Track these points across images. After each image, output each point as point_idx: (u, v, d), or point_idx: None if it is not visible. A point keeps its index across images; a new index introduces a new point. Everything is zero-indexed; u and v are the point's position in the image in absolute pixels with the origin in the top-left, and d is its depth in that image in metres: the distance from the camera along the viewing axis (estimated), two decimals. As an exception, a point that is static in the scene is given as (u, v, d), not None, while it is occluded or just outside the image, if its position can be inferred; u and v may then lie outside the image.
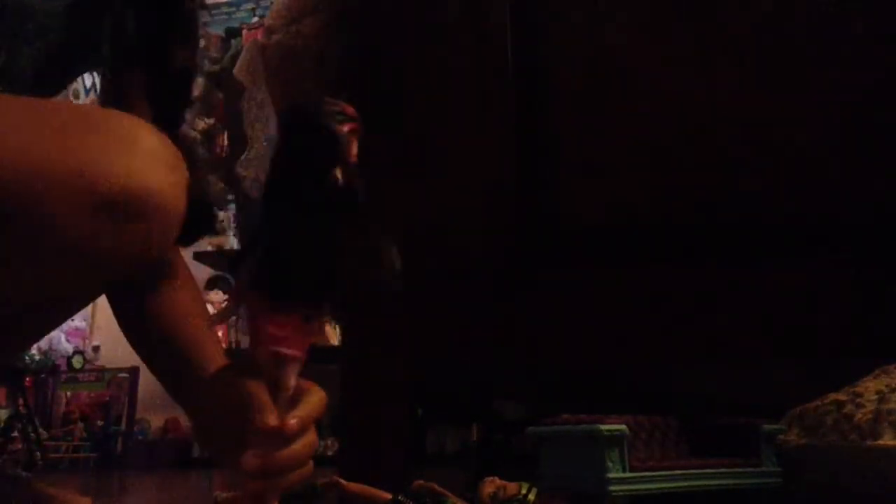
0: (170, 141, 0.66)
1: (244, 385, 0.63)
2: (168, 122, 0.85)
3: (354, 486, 0.83)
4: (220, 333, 3.90)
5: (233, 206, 3.84)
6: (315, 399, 0.66)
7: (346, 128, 0.61)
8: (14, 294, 0.67)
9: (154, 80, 0.85)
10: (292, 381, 0.64)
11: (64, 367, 4.49)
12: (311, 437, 0.66)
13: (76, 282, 0.70)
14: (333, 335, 4.42)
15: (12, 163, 0.59)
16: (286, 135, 0.63)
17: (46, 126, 0.62)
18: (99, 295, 0.80)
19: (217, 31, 4.29)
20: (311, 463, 0.67)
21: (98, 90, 0.91)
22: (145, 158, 0.62)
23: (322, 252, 0.62)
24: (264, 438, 0.62)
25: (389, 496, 0.80)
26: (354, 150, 0.62)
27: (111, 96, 0.87)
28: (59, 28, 0.77)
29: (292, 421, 0.62)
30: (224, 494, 0.86)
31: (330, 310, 0.65)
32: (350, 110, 0.61)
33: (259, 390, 0.62)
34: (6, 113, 0.62)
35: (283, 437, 0.62)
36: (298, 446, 0.64)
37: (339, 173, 0.60)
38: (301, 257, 0.61)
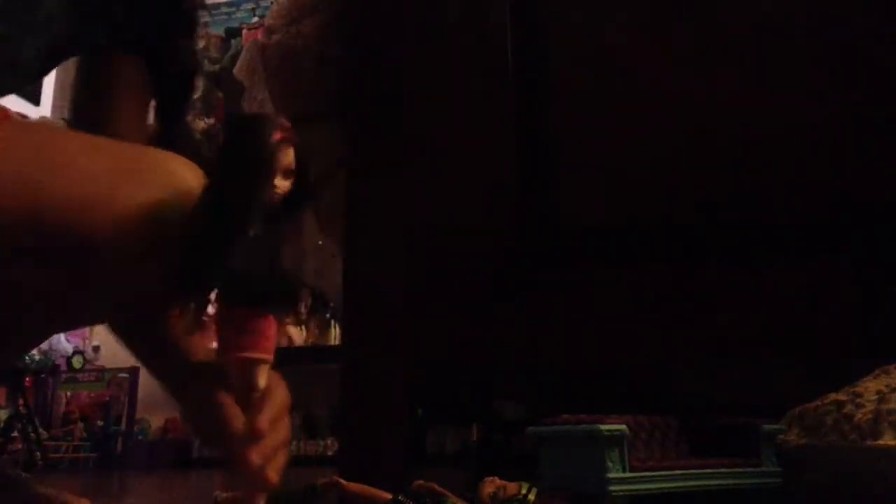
0: (204, 176, 0.69)
1: (211, 398, 0.68)
2: (172, 115, 0.86)
3: (354, 486, 0.83)
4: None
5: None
6: (279, 397, 0.71)
7: (276, 137, 0.64)
8: (48, 323, 0.72)
9: (157, 75, 0.86)
10: (262, 382, 0.68)
11: (64, 367, 4.50)
12: (283, 427, 0.71)
13: (125, 310, 0.75)
14: (298, 334, 4.42)
15: (70, 199, 0.62)
16: (221, 151, 0.66)
17: (106, 165, 0.65)
18: None
19: (217, 31, 4.29)
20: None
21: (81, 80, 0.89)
22: (191, 202, 0.65)
23: (268, 258, 0.65)
24: (241, 442, 0.67)
25: (389, 496, 0.80)
26: (289, 157, 0.65)
27: (97, 84, 0.86)
28: (64, 19, 0.77)
29: (261, 423, 0.68)
30: (224, 494, 0.86)
31: (289, 311, 0.69)
32: (281, 121, 0.64)
33: (224, 400, 0.68)
34: (74, 150, 0.66)
35: (256, 436, 0.67)
36: (274, 439, 0.69)
37: (276, 181, 0.64)
38: (247, 264, 0.65)
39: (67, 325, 0.80)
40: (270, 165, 0.64)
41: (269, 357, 0.68)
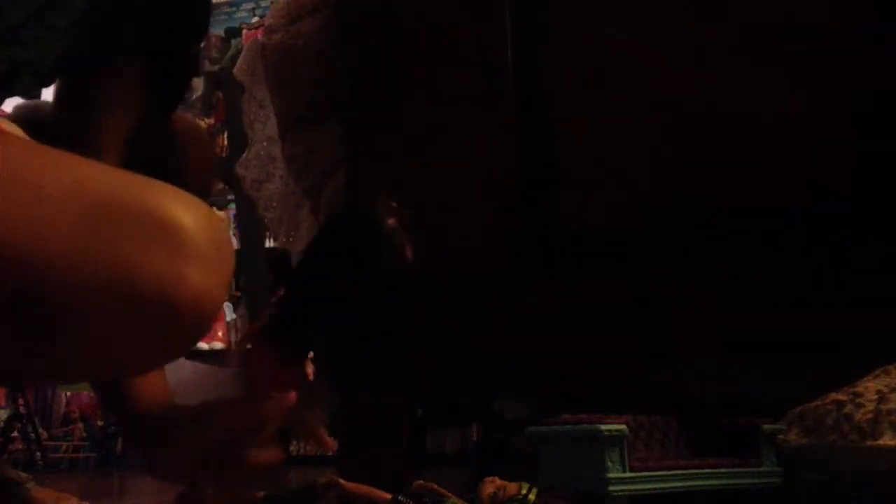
0: (213, 217, 0.61)
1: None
2: (166, 106, 0.85)
3: (354, 486, 0.83)
4: (220, 333, 3.91)
5: (233, 206, 3.85)
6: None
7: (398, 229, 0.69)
8: (36, 374, 0.68)
9: (160, 70, 0.84)
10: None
11: (64, 367, 4.49)
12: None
13: (99, 376, 0.74)
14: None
15: (52, 264, 0.53)
16: (338, 229, 0.70)
17: (95, 222, 0.55)
18: None
19: (217, 31, 4.29)
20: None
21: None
22: (185, 255, 0.56)
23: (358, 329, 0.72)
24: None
25: (389, 496, 0.80)
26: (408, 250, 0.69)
27: (98, 87, 0.85)
28: (86, 22, 0.76)
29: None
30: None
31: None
32: (399, 208, 0.69)
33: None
34: (61, 201, 0.55)
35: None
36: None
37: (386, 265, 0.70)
38: (338, 333, 0.71)
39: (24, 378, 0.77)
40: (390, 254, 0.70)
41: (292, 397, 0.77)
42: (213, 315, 0.60)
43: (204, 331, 0.61)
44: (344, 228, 0.71)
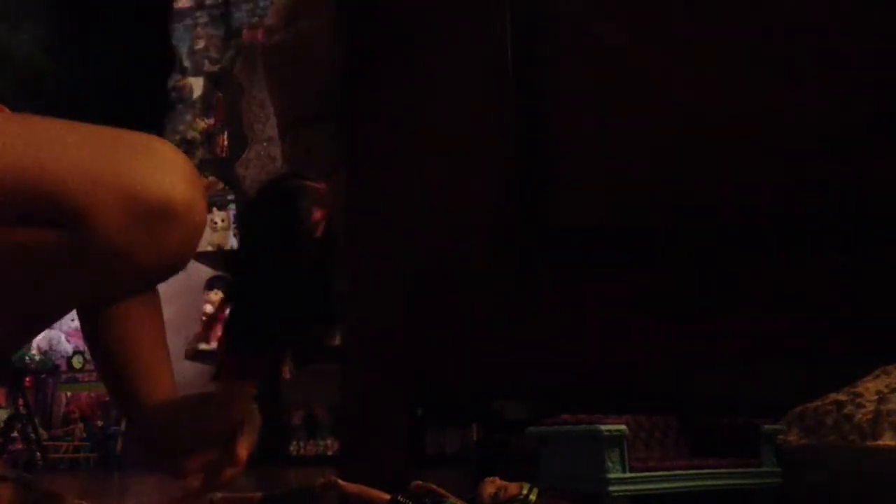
0: (187, 158, 0.76)
1: (229, 417, 0.79)
2: None
3: (353, 487, 0.83)
4: (220, 333, 3.91)
5: (233, 206, 3.84)
6: (254, 429, 0.82)
7: (315, 209, 0.69)
8: (61, 295, 0.77)
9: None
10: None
11: (64, 367, 4.49)
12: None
13: (115, 283, 0.78)
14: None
15: (72, 176, 0.70)
16: (256, 212, 0.72)
17: (100, 147, 0.73)
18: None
19: (217, 31, 4.29)
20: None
21: None
22: (173, 174, 0.72)
23: (281, 313, 0.72)
24: (228, 462, 0.79)
25: (388, 496, 0.80)
26: (318, 219, 0.70)
27: None
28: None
29: (243, 452, 0.80)
30: (220, 495, 0.86)
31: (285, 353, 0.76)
32: (316, 188, 0.71)
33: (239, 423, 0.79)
34: (72, 135, 0.73)
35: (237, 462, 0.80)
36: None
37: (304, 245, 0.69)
38: (263, 317, 0.71)
39: (65, 299, 0.81)
40: (304, 233, 0.70)
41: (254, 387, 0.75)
42: (202, 216, 0.75)
43: (197, 234, 0.75)
44: (255, 210, 0.76)
